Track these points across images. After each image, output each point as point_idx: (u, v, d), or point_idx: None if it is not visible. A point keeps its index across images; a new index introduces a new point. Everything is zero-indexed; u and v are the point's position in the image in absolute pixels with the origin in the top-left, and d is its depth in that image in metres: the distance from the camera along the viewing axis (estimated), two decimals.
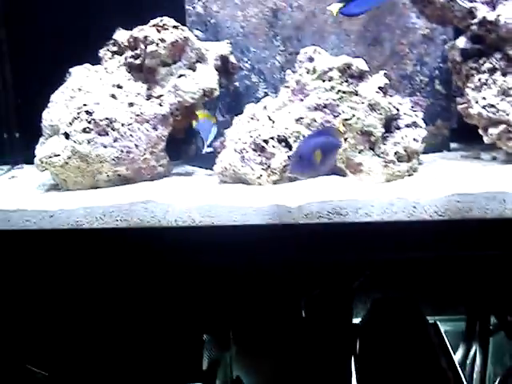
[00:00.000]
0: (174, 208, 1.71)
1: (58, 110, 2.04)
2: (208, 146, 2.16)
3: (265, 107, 2.04)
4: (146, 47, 2.08)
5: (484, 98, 1.98)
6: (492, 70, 1.99)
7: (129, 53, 2.14)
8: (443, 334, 2.01)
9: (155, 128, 2.06)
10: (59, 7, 2.49)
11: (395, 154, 1.90)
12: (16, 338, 1.96)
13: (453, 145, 2.39)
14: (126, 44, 2.16)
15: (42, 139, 2.08)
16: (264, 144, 1.93)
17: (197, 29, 2.34)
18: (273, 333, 1.88)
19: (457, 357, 2.01)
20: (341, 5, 1.97)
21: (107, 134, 1.98)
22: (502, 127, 1.95)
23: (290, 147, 1.94)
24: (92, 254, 1.75)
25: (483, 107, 1.98)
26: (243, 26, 2.34)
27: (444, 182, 1.80)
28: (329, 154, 1.66)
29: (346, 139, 1.90)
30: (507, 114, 1.93)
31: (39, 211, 1.74)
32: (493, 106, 1.96)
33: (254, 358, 1.92)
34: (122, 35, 2.19)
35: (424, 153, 2.02)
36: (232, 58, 2.26)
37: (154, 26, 2.12)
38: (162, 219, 1.70)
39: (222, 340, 1.95)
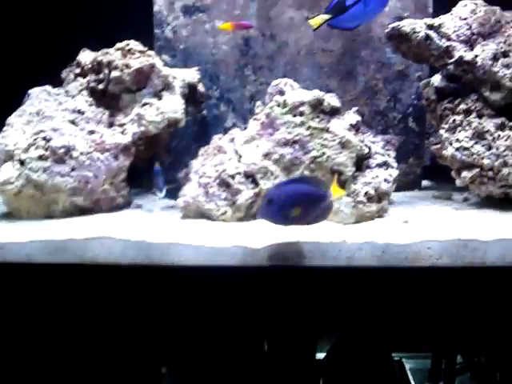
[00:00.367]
0: (131, 245, 1.63)
1: (14, 134, 1.95)
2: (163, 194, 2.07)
3: (232, 139, 1.98)
4: (110, 72, 2.02)
5: (458, 140, 1.93)
6: (467, 112, 1.95)
7: (92, 76, 2.07)
8: (408, 372, 1.98)
9: (116, 158, 1.98)
10: (24, 23, 2.43)
11: (365, 194, 1.84)
12: None
13: (424, 182, 2.37)
14: (90, 66, 2.09)
15: None
16: (230, 180, 1.87)
17: (165, 54, 2.27)
18: (236, 369, 1.84)
19: None
20: (327, 16, 1.90)
21: (64, 163, 1.90)
22: (476, 171, 1.91)
23: (256, 184, 1.87)
24: (42, 291, 1.67)
25: (457, 149, 1.93)
26: (214, 53, 2.28)
27: (415, 225, 1.75)
28: (308, 206, 1.55)
29: None
30: (481, 158, 1.89)
31: None
32: (467, 148, 1.91)
33: None
34: (86, 56, 2.11)
35: (395, 190, 1.97)
36: (200, 86, 2.21)
37: (119, 49, 2.06)
38: (119, 256, 1.62)
39: (183, 374, 1.91)
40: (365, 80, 2.27)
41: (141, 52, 2.05)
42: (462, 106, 1.96)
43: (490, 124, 1.92)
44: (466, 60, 1.94)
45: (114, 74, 2.01)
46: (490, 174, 1.90)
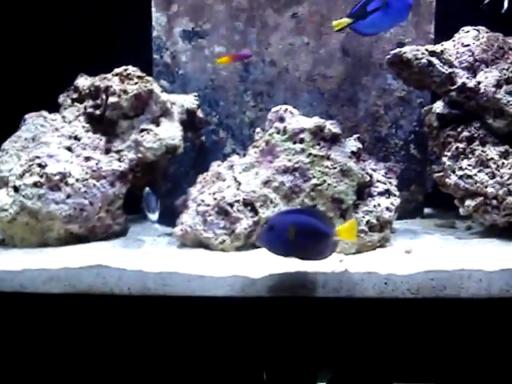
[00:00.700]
0: (127, 274, 1.59)
1: (9, 160, 1.94)
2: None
3: (231, 167, 1.95)
4: (107, 98, 1.99)
5: (461, 168, 1.91)
6: (470, 139, 1.92)
7: (89, 102, 2.05)
8: None
9: (112, 185, 1.95)
10: (22, 47, 2.41)
11: (367, 223, 1.82)
12: None
13: (427, 210, 2.34)
14: (87, 92, 2.06)
15: None
16: (228, 208, 1.84)
17: (164, 79, 2.25)
18: None
19: None
20: (349, 20, 1.91)
21: (60, 190, 1.87)
22: (479, 199, 1.88)
23: (256, 212, 1.84)
24: (36, 321, 1.62)
25: (460, 177, 1.90)
26: (213, 79, 2.26)
27: (418, 255, 1.73)
28: (311, 241, 1.49)
29: (315, 206, 1.81)
30: (485, 186, 1.86)
31: None
32: (470, 177, 1.89)
33: None
34: (83, 82, 2.09)
35: (397, 218, 1.94)
36: (199, 112, 2.18)
37: (117, 74, 2.03)
38: (114, 286, 1.58)
39: None
40: (366, 106, 2.24)
41: (139, 77, 2.02)
42: (465, 134, 1.93)
43: (493, 152, 1.90)
44: (468, 87, 1.92)
45: (112, 99, 1.98)
46: (494, 202, 1.87)
